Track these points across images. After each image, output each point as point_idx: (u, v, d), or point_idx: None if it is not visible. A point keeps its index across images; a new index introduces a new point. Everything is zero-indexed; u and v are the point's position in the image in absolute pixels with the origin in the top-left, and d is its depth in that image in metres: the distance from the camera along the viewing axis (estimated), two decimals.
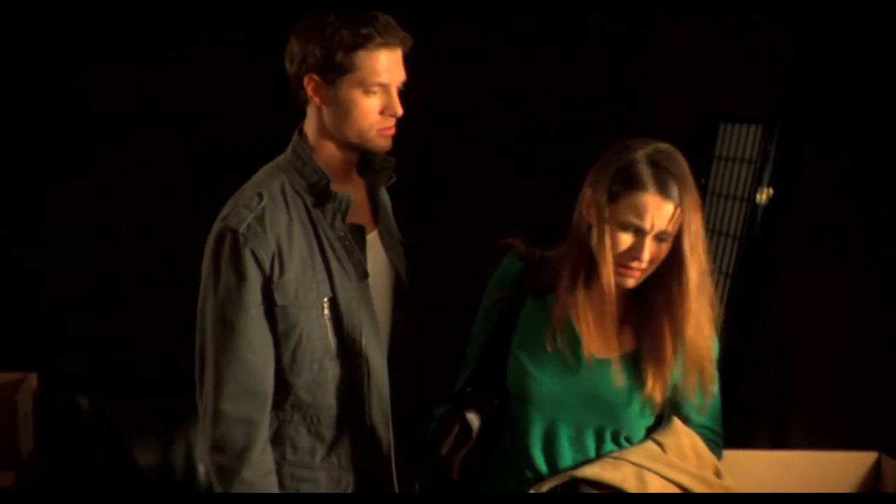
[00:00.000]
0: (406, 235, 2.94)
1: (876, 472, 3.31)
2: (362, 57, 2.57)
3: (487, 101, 5.03)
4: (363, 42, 2.56)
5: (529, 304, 2.61)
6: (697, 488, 2.53)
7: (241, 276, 2.56)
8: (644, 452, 2.53)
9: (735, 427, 4.28)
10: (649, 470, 2.49)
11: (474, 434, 2.57)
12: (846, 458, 3.33)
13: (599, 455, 2.56)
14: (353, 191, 2.73)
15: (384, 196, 2.87)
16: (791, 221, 4.14)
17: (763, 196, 4.17)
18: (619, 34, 5.03)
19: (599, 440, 2.57)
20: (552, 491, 2.52)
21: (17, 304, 4.84)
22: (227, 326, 2.57)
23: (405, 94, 2.70)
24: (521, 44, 5.02)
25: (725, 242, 4.49)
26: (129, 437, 4.56)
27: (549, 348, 2.54)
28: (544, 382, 2.54)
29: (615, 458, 2.52)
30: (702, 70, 4.69)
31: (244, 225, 2.56)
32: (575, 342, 2.55)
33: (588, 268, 2.53)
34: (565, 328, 2.55)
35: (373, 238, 2.76)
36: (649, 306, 2.54)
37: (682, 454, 2.54)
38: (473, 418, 2.56)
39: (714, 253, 4.59)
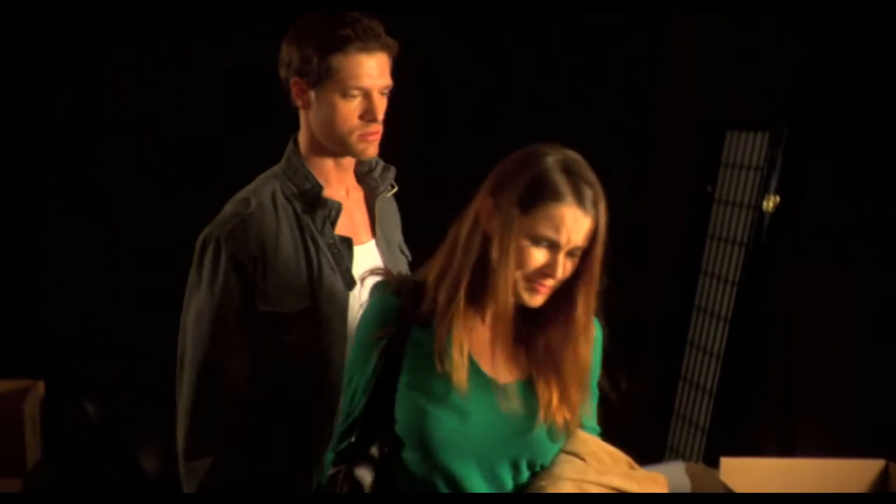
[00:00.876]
0: (410, 246, 2.93)
1: (883, 479, 3.31)
2: (340, 60, 2.54)
3: (489, 109, 5.03)
4: (340, 45, 2.53)
5: (414, 339, 2.31)
6: (630, 485, 2.41)
7: (220, 280, 2.56)
8: (572, 466, 2.37)
9: (743, 434, 4.29)
10: (587, 482, 2.36)
11: (367, 490, 2.29)
12: (853, 466, 3.33)
13: (518, 484, 2.34)
14: (350, 199, 2.72)
15: (386, 205, 2.85)
16: (797, 229, 4.13)
17: (770, 203, 4.17)
18: (623, 41, 5.02)
19: (516, 471, 2.33)
20: None
21: (23, 312, 4.84)
22: (204, 331, 2.58)
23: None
24: (524, 51, 5.01)
25: (732, 250, 4.49)
26: (135, 444, 4.57)
27: (438, 369, 2.26)
28: (445, 420, 2.27)
29: (554, 476, 2.34)
30: (708, 77, 4.69)
31: (226, 231, 2.57)
32: (473, 369, 2.30)
33: (476, 284, 2.29)
34: (455, 352, 2.27)
35: (369, 248, 2.75)
36: (548, 323, 2.34)
37: (599, 458, 2.41)
38: (364, 474, 2.30)
39: (720, 260, 4.59)
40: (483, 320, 2.33)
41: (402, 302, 2.32)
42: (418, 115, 3.87)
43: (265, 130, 3.15)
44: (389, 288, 2.36)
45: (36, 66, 4.76)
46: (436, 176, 4.78)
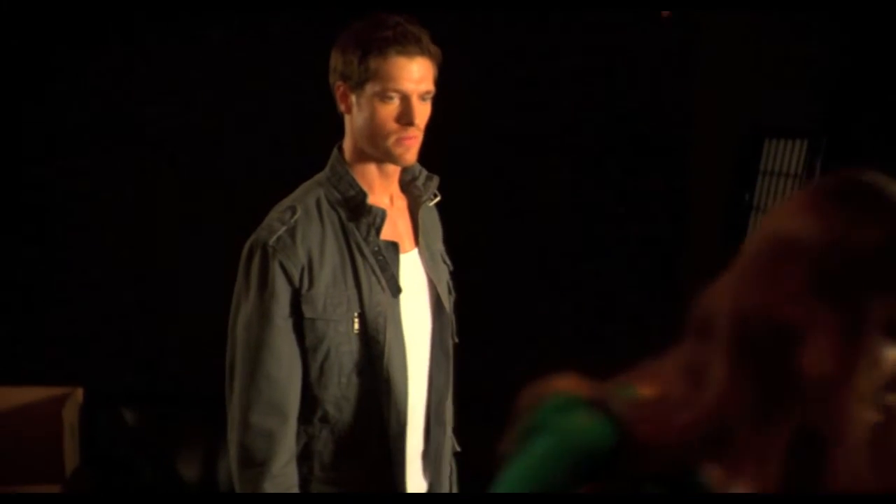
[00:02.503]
0: (451, 257, 2.93)
1: None
2: (379, 62, 2.54)
3: (531, 115, 5.03)
4: (380, 47, 2.53)
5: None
6: None
7: (268, 288, 2.57)
8: None
9: None
10: None
11: None
12: None
13: None
14: (394, 207, 2.72)
15: (430, 215, 2.85)
16: None
17: None
18: (663, 49, 5.01)
19: None
20: None
21: (62, 320, 4.87)
22: (254, 338, 2.58)
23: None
24: (565, 58, 5.01)
25: None
26: (173, 450, 4.59)
27: None
28: None
29: None
30: (747, 85, 4.67)
31: (274, 237, 2.57)
32: None
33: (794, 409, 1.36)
34: None
35: (412, 256, 2.75)
36: None
37: None
38: None
39: None
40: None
41: (625, 434, 1.38)
42: (458, 122, 3.86)
43: (307, 137, 3.16)
44: (594, 408, 1.42)
45: (70, 63, 4.80)
46: (473, 185, 4.80)
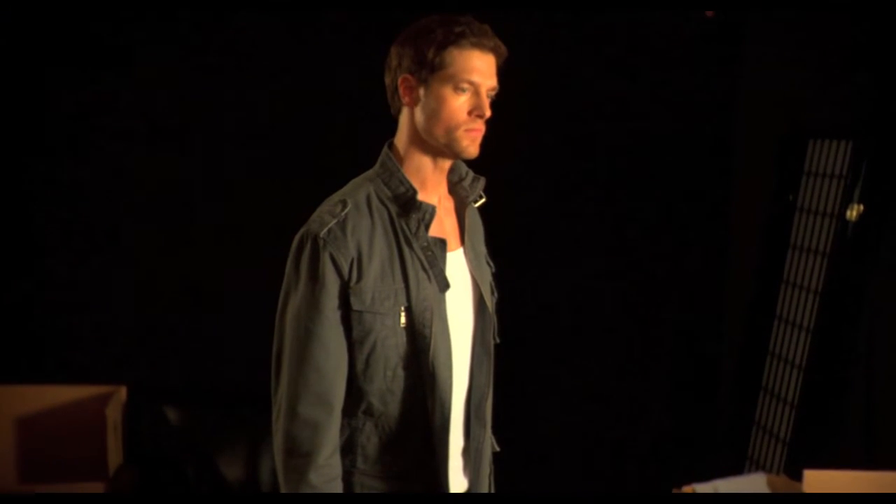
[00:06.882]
0: (494, 260, 2.94)
1: None
2: (454, 54, 2.60)
3: (572, 117, 5.02)
4: (455, 39, 2.60)
5: None
6: None
7: (318, 280, 2.59)
8: None
9: (825, 446, 4.24)
10: None
11: None
12: None
13: None
14: (441, 207, 2.74)
15: (474, 216, 2.88)
16: (881, 238, 4.08)
17: (853, 212, 4.12)
18: (707, 50, 4.99)
19: None
20: None
21: (105, 318, 4.90)
22: (303, 329, 2.61)
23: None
24: (607, 59, 4.99)
25: (814, 259, 4.44)
26: (216, 450, 4.60)
27: None
28: None
29: None
30: (791, 85, 4.64)
31: (325, 230, 2.60)
32: None
33: None
34: None
35: (458, 255, 2.77)
36: None
37: None
38: None
39: (802, 270, 4.54)
40: None
41: None
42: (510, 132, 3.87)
43: (357, 136, 3.17)
44: None
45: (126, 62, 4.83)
46: (515, 186, 4.79)
